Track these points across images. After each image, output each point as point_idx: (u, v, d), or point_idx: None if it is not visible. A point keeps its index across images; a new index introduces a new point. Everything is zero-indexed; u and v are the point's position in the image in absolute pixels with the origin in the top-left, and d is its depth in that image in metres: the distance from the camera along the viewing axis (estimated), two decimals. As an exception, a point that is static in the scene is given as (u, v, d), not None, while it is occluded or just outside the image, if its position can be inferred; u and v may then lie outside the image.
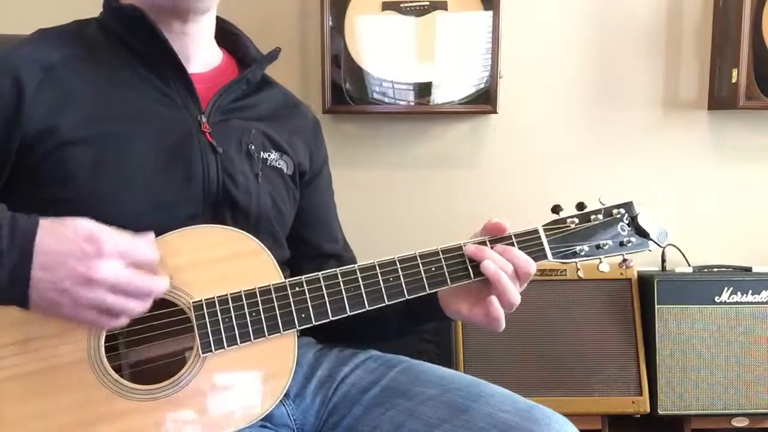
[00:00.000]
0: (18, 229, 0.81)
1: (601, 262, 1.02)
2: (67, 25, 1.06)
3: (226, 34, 1.15)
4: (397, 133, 2.07)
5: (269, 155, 1.08)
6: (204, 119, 1.02)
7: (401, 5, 1.93)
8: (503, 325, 0.97)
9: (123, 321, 0.85)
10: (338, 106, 1.97)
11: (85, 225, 0.83)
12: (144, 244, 0.85)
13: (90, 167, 0.93)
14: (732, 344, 1.87)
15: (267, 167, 1.07)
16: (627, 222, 1.02)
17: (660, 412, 1.86)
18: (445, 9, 1.93)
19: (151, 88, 1.01)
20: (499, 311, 0.96)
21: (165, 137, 0.99)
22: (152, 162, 0.97)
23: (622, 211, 1.02)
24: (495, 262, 0.95)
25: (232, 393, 0.92)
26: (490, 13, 1.93)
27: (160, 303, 0.91)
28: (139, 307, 0.85)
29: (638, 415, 1.87)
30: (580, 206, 1.02)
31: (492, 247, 0.98)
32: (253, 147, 1.06)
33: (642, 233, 1.02)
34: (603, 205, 1.02)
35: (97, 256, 0.81)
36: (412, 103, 1.97)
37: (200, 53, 1.08)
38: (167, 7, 1.02)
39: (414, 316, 1.08)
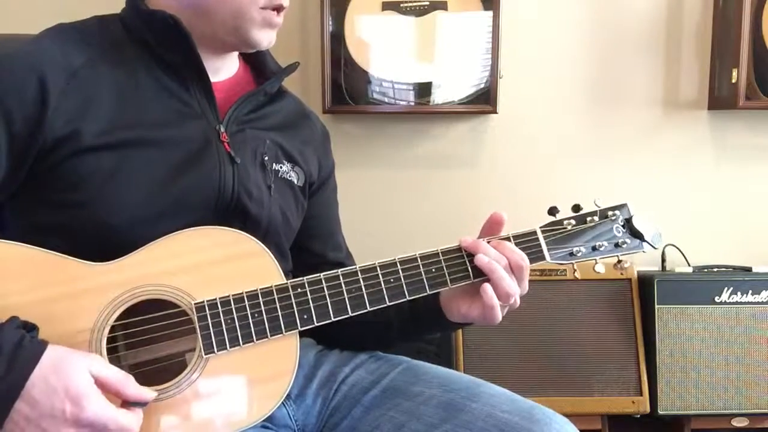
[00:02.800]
0: (17, 361, 0.80)
1: (596, 263, 1.03)
2: (87, 22, 1.03)
3: None
4: (397, 133, 2.07)
5: (281, 167, 1.08)
6: (222, 129, 1.01)
7: (401, 5, 1.93)
8: (499, 316, 0.98)
9: None
10: (338, 106, 1.97)
11: (80, 385, 0.80)
12: (127, 424, 0.83)
13: (106, 173, 0.92)
14: (732, 344, 1.87)
15: (279, 179, 1.07)
16: (622, 224, 1.04)
17: (660, 412, 1.86)
18: (445, 9, 1.93)
19: (172, 95, 1.00)
20: (494, 299, 0.96)
21: (183, 145, 0.98)
22: (168, 169, 0.95)
23: (617, 213, 1.04)
24: (488, 255, 0.97)
25: (234, 394, 0.92)
26: (490, 13, 1.93)
27: (163, 304, 0.91)
28: None
29: (638, 415, 1.87)
30: (576, 208, 1.04)
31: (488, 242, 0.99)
32: (266, 158, 1.05)
33: (637, 235, 1.04)
34: (598, 207, 1.04)
35: (72, 424, 0.79)
36: (412, 103, 1.97)
37: (223, 63, 1.07)
38: (229, 44, 1.03)
39: (417, 323, 1.08)
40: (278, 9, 1.01)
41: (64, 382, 0.80)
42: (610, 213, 1.04)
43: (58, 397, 0.79)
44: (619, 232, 1.04)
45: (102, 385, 0.82)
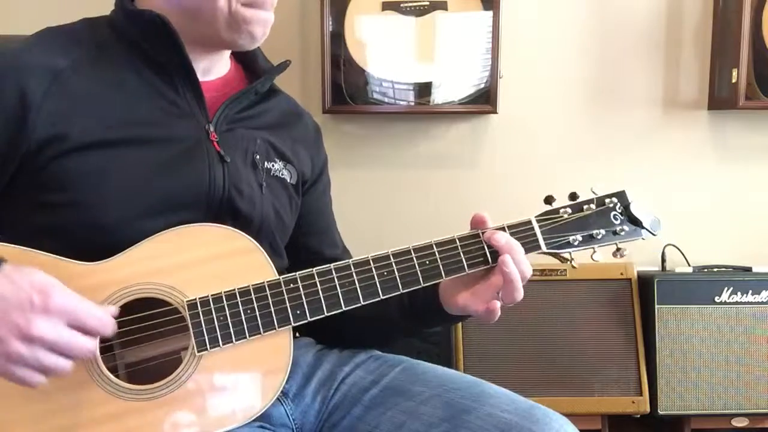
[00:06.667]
0: None
1: (594, 251, 1.02)
2: (75, 24, 1.03)
3: None
4: (397, 133, 2.07)
5: (273, 165, 1.07)
6: (212, 128, 1.01)
7: (401, 5, 1.93)
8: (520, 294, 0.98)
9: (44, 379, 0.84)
10: (338, 106, 1.97)
11: (44, 278, 0.82)
12: (99, 314, 0.84)
13: (94, 174, 0.93)
14: (732, 344, 1.87)
15: (271, 177, 1.07)
16: (620, 211, 1.03)
17: (660, 412, 1.86)
18: (445, 9, 1.94)
19: (160, 95, 1.00)
20: (499, 307, 0.98)
21: (172, 145, 0.98)
22: (157, 169, 0.96)
23: (615, 200, 1.03)
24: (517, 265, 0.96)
25: (228, 391, 0.92)
26: (490, 13, 1.93)
27: (155, 302, 0.91)
28: (68, 366, 0.83)
29: (638, 415, 1.87)
30: (573, 196, 1.02)
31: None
32: (258, 157, 1.05)
33: (635, 222, 1.02)
34: (595, 194, 1.03)
35: (41, 311, 0.80)
36: (412, 103, 1.97)
37: (213, 62, 1.07)
38: (224, 42, 1.02)
39: (417, 317, 1.08)
40: (260, 5, 0.99)
41: (29, 278, 0.82)
42: (607, 200, 1.02)
43: (23, 290, 0.81)
44: (617, 220, 1.02)
45: None
